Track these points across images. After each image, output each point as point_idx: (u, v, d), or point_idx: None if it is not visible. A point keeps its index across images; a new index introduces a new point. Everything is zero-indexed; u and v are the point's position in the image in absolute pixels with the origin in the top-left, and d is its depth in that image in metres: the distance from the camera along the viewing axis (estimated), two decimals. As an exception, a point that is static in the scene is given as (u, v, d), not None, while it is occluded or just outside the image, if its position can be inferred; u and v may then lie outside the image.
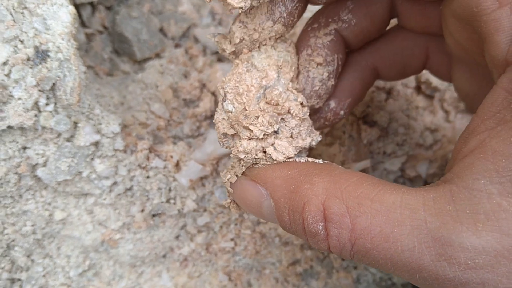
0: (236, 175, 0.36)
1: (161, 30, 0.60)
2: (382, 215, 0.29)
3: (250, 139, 0.34)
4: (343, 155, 0.51)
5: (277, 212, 0.33)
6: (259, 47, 0.37)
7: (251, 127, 0.33)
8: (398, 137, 0.53)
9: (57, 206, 0.49)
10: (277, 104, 0.34)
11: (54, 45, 0.41)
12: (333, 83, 0.40)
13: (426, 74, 0.54)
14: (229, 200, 0.38)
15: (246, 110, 0.34)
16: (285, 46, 0.38)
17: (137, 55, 0.57)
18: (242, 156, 0.34)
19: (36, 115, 0.42)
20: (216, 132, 0.37)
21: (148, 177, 0.50)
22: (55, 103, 0.42)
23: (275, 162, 0.34)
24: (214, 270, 0.57)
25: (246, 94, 0.35)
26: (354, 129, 0.51)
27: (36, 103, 0.42)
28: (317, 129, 0.43)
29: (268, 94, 0.34)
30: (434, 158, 0.53)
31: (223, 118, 0.36)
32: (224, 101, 0.36)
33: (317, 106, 0.40)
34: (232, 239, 0.55)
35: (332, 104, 0.42)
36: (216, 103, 0.56)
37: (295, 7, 0.36)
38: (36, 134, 0.43)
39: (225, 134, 0.36)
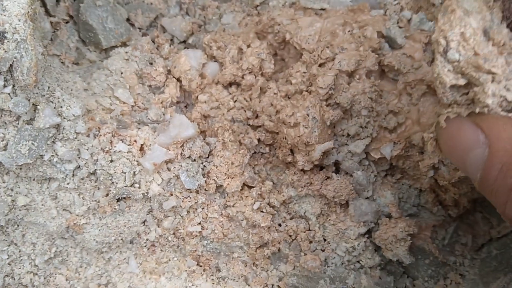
0: (458, 114, 0.34)
1: (128, 20, 0.60)
2: None
3: (493, 81, 0.32)
4: (307, 137, 0.51)
5: (488, 162, 0.32)
6: None
7: (494, 69, 0.32)
8: (361, 119, 0.53)
9: (20, 191, 0.48)
10: (504, 44, 0.33)
11: (10, 26, 0.41)
12: None
13: (389, 57, 0.55)
14: (432, 135, 0.37)
15: (477, 54, 0.33)
16: None
17: (102, 43, 0.57)
18: (490, 101, 0.32)
19: (-6, 97, 0.42)
20: (438, 87, 0.35)
21: (111, 161, 0.50)
22: (13, 85, 0.42)
23: (509, 104, 0.33)
24: (182, 256, 0.57)
25: (474, 39, 0.33)
26: (317, 110, 0.51)
27: (-7, 85, 0.42)
28: None
29: (495, 35, 0.34)
30: (398, 140, 0.54)
31: (448, 70, 0.34)
32: (447, 51, 0.34)
33: None
34: (199, 223, 0.55)
35: None
36: (181, 90, 0.56)
37: None
38: (-6, 117, 0.43)
39: (452, 86, 0.34)
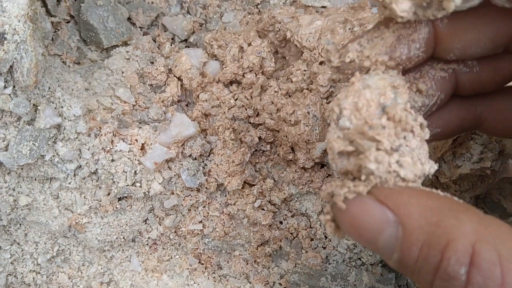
0: (357, 193, 0.30)
1: (129, 19, 0.60)
2: None
3: (378, 150, 0.30)
4: (307, 135, 0.51)
5: (404, 243, 0.28)
6: (367, 72, 0.35)
7: (378, 137, 0.30)
8: (362, 116, 0.53)
9: (22, 191, 0.49)
10: (400, 121, 0.31)
11: (10, 27, 0.41)
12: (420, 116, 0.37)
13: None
14: (328, 217, 0.32)
15: (367, 123, 0.31)
16: (395, 72, 0.35)
17: (104, 42, 0.57)
18: (373, 167, 0.30)
19: (-6, 98, 0.42)
20: (329, 153, 0.33)
21: (112, 160, 0.50)
22: (14, 86, 0.43)
23: (403, 182, 0.30)
24: (183, 253, 0.57)
25: (366, 109, 0.32)
26: (318, 108, 0.51)
27: (-6, 86, 0.42)
28: None
29: (390, 109, 0.32)
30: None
31: (338, 137, 0.32)
32: (339, 119, 0.32)
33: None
34: (200, 222, 0.55)
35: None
36: (182, 89, 0.56)
37: (417, 55, 0.34)
38: (-5, 118, 0.44)
39: (341, 153, 0.32)
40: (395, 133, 0.31)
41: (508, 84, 0.39)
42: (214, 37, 0.58)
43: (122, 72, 0.54)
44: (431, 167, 0.31)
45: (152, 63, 0.57)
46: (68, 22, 0.58)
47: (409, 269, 0.29)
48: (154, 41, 0.60)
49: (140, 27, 0.61)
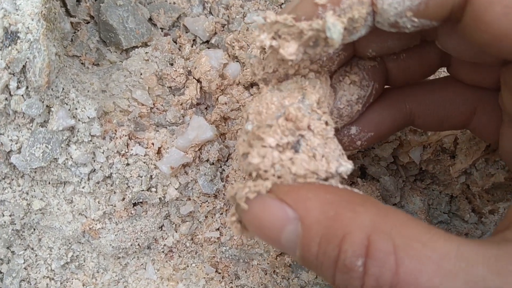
0: (257, 192, 0.30)
1: (151, 19, 0.59)
2: (433, 262, 0.26)
3: (263, 146, 0.31)
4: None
5: (304, 239, 0.29)
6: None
7: (263, 135, 0.31)
8: (388, 121, 0.51)
9: (35, 195, 0.48)
10: (295, 120, 0.31)
11: (23, 26, 0.40)
12: (359, 109, 0.38)
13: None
14: (234, 218, 0.32)
15: (262, 125, 0.32)
16: (313, 75, 0.35)
17: (123, 43, 0.56)
18: (255, 161, 0.30)
19: (6, 99, 0.41)
20: (237, 157, 0.36)
21: (127, 164, 0.49)
22: (27, 87, 0.42)
23: (296, 178, 0.30)
24: (200, 262, 0.56)
25: (266, 112, 0.33)
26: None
27: (6, 86, 0.41)
28: None
29: (287, 109, 0.32)
30: (428, 144, 0.51)
31: (243, 140, 0.33)
32: (246, 122, 0.34)
33: (334, 126, 0.35)
34: (217, 229, 0.54)
35: (353, 130, 0.39)
36: (202, 91, 0.55)
37: (337, 54, 0.35)
38: (8, 119, 0.43)
39: (244, 155, 0.33)
40: (285, 132, 0.31)
41: (432, 77, 0.42)
42: (236, 38, 0.56)
43: (141, 74, 0.53)
44: (340, 166, 0.31)
45: (172, 64, 0.55)
46: (88, 22, 0.57)
47: (312, 264, 0.29)
48: (175, 42, 0.58)
49: (161, 28, 0.59)
